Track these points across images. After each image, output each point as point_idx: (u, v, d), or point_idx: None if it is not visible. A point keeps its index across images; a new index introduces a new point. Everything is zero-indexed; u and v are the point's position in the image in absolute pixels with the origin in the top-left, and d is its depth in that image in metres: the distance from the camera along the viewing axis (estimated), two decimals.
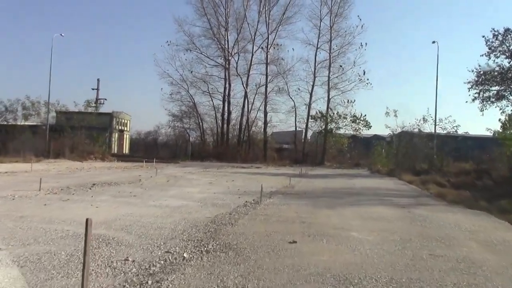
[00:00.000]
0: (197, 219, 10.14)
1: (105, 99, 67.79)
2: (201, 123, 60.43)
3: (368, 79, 55.68)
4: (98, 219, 9.08)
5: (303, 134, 59.56)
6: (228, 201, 13.81)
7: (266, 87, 58.34)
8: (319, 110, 57.77)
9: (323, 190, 19.65)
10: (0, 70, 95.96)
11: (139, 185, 18.33)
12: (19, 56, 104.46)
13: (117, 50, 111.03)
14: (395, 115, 42.09)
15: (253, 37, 58.88)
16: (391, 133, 44.18)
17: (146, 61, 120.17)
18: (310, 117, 57.66)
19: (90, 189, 16.02)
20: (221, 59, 60.10)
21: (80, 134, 42.00)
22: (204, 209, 11.93)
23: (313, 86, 57.84)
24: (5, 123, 44.72)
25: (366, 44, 55.53)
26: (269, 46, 58.12)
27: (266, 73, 58.55)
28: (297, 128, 58.81)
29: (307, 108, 57.56)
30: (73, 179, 19.82)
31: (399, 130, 41.98)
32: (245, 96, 58.97)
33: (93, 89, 69.42)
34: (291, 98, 58.16)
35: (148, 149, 71.25)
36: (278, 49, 58.11)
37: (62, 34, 45.93)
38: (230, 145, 58.44)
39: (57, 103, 44.59)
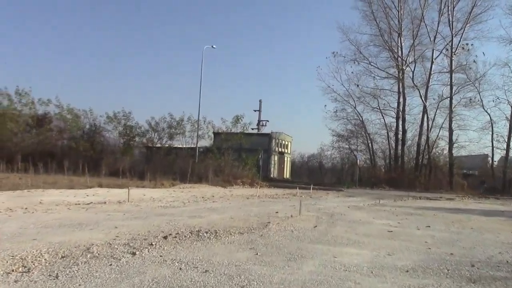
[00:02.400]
0: None
1: (267, 121, 61.80)
2: (370, 144, 50.42)
3: None
4: None
5: (490, 156, 46.25)
6: None
7: (451, 99, 46.20)
8: None
9: None
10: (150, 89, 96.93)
11: (254, 238, 9.59)
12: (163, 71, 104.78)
13: (273, 64, 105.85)
14: None
15: (433, 41, 47.52)
16: None
17: (308, 77, 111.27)
18: None
19: (134, 253, 7.75)
20: (393, 69, 49.79)
21: (227, 155, 35.26)
22: None
23: None
24: (167, 145, 40.03)
25: None
26: (454, 50, 46.18)
27: (451, 82, 46.39)
28: (494, 148, 45.36)
29: (510, 122, 43.89)
30: (158, 219, 11.88)
31: None
32: (424, 111, 47.50)
33: (255, 110, 64.24)
34: (485, 111, 45.03)
35: (311, 174, 63.33)
36: (466, 52, 45.94)
37: (214, 46, 40.21)
38: (405, 169, 47.39)
39: (204, 121, 38.54)
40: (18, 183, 21.34)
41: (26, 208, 13.27)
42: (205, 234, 9.55)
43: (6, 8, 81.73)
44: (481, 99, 45.08)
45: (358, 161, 47.63)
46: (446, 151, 47.33)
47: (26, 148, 34.53)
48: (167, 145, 39.72)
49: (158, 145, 40.12)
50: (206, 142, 40.30)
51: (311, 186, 30.53)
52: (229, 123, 36.77)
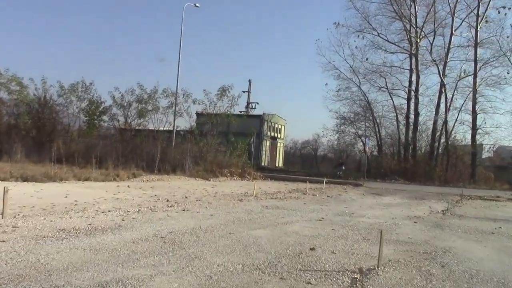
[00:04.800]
0: None
1: (257, 103, 53.21)
2: (377, 129, 42.20)
3: None
4: None
5: None
6: None
7: (475, 77, 38.02)
8: None
9: None
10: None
11: None
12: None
13: (265, 39, 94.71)
14: None
15: (452, 10, 39.25)
16: None
17: (304, 53, 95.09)
18: None
19: None
20: (405, 43, 41.55)
21: (211, 137, 26.60)
22: None
23: None
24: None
25: None
26: (479, 21, 38.00)
27: (475, 57, 38.00)
28: None
29: None
30: None
31: None
32: (441, 90, 39.40)
33: (243, 91, 55.40)
34: None
35: (305, 163, 55.28)
36: (494, 23, 37.78)
37: (197, 5, 31.30)
38: (418, 159, 39.36)
39: (183, 94, 29.43)
40: None
41: None
42: None
43: None
44: None
45: (366, 148, 39.53)
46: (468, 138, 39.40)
47: None
48: (139, 126, 30.89)
49: (134, 126, 31.28)
50: (185, 123, 31.50)
51: (324, 180, 22.28)
52: (213, 96, 28.15)
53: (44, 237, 6.55)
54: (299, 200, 15.35)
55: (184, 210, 10.61)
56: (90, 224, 7.79)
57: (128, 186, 15.84)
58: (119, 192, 13.56)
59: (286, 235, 8.02)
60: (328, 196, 17.58)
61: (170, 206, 11.07)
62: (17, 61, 79.14)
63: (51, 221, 7.90)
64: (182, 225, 8.31)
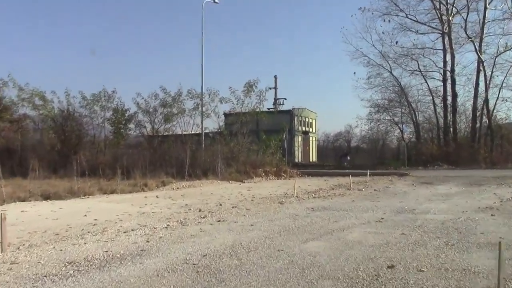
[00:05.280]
0: None
1: (285, 99, 51.34)
2: (414, 114, 39.81)
3: None
4: None
5: None
6: None
7: None
8: None
9: None
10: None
11: None
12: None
13: (287, 30, 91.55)
14: None
15: None
16: None
17: (325, 42, 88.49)
18: None
19: None
20: (436, 22, 39.08)
21: (241, 137, 25.06)
22: None
23: None
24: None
25: None
26: None
27: None
28: None
29: None
30: None
31: None
32: (479, 67, 36.86)
33: (270, 88, 53.68)
34: None
35: (338, 156, 53.15)
36: None
37: (216, 1, 29.77)
38: (461, 142, 36.94)
39: (209, 94, 27.91)
40: None
41: None
42: None
43: None
44: None
45: (404, 134, 37.35)
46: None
47: None
48: (168, 132, 29.60)
49: (161, 132, 30.05)
50: (213, 123, 29.93)
51: (368, 172, 20.46)
52: (240, 93, 26.58)
53: (46, 276, 5.10)
54: (345, 197, 13.68)
55: (219, 221, 9.10)
56: (107, 251, 6.32)
57: (157, 196, 14.42)
58: (146, 204, 12.15)
59: (348, 246, 6.38)
60: (375, 190, 15.83)
61: (203, 217, 9.57)
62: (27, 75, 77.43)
63: (61, 250, 6.47)
64: (219, 243, 6.77)
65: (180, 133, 28.45)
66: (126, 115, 29.50)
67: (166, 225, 8.56)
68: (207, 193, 15.36)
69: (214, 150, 23.83)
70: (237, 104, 26.64)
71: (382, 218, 8.93)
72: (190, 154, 23.11)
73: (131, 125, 30.14)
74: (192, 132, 28.98)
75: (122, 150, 26.61)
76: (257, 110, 27.11)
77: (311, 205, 11.57)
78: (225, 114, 30.38)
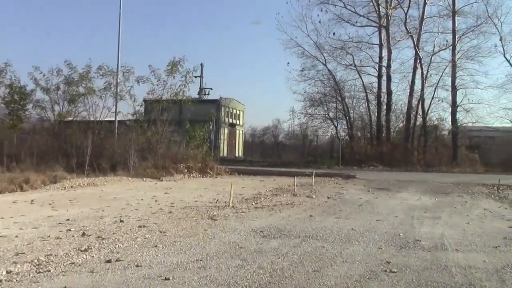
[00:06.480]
0: None
1: (211, 89, 47.23)
2: (346, 110, 37.39)
3: None
4: None
5: None
6: None
7: (454, 48, 33.91)
8: None
9: None
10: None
11: None
12: None
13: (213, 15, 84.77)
14: None
15: None
16: None
17: (262, 30, 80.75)
18: None
19: None
20: (374, 14, 36.85)
21: (161, 125, 20.76)
22: None
23: None
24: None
25: None
26: None
27: (453, 27, 33.83)
28: None
29: None
30: None
31: None
32: (416, 64, 35.03)
33: (195, 77, 49.29)
34: (506, 59, 32.88)
35: (266, 151, 50.06)
36: None
37: None
38: (395, 142, 34.98)
39: (124, 71, 23.20)
40: None
41: None
42: None
43: None
44: (502, 45, 32.98)
45: (339, 131, 34.81)
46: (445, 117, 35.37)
47: None
48: (72, 117, 24.41)
49: (66, 116, 24.78)
50: (128, 108, 25.00)
51: (313, 173, 17.09)
52: (162, 72, 22.17)
53: None
54: (296, 208, 10.12)
55: (109, 261, 5.11)
56: None
57: (32, 200, 10.00)
58: (2, 218, 7.80)
59: None
60: (328, 197, 12.42)
61: (84, 250, 5.54)
62: None
63: None
64: None
65: (88, 118, 23.53)
66: (22, 93, 24.06)
67: (4, 272, 4.44)
68: (108, 197, 11.13)
69: (126, 140, 19.39)
70: (158, 85, 22.19)
71: (388, 262, 5.39)
72: (98, 142, 18.65)
73: (29, 106, 24.71)
74: (107, 119, 24.18)
75: (11, 136, 21.32)
76: (182, 94, 22.89)
77: (256, 223, 7.87)
78: (145, 101, 25.77)
